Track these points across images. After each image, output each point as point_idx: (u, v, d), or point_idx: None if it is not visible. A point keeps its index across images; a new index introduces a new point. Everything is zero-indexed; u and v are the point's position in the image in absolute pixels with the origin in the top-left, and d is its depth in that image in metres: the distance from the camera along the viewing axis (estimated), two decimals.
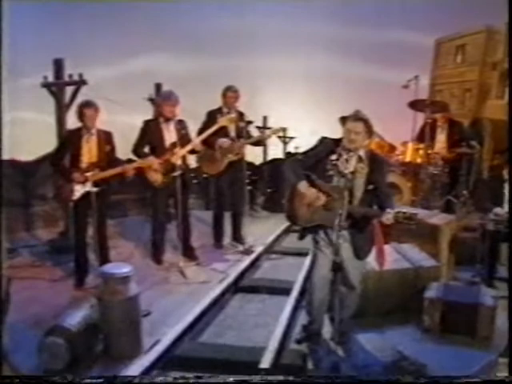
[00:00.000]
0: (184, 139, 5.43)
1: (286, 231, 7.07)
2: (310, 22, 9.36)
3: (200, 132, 5.86)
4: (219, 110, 6.03)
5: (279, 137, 10.97)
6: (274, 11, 9.31)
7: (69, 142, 4.88)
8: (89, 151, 4.80)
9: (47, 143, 6.68)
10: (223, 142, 5.88)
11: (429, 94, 10.45)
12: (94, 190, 4.71)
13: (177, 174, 5.33)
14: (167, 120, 5.40)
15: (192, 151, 5.59)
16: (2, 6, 3.68)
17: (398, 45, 9.55)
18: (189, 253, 5.75)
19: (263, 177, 9.06)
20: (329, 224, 3.58)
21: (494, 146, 7.31)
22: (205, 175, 7.33)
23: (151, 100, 7.58)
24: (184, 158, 5.53)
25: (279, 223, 7.37)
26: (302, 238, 3.94)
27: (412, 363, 3.38)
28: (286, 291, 4.80)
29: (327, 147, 3.71)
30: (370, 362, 3.66)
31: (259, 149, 8.14)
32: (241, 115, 5.95)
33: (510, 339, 3.29)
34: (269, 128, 9.34)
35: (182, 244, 5.56)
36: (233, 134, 6.01)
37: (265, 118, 11.74)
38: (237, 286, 4.96)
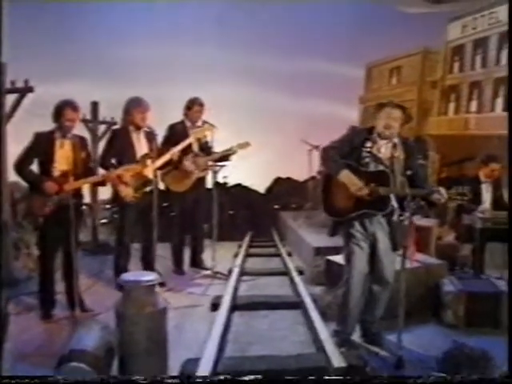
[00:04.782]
0: (154, 151, 4.96)
1: (246, 255, 6.75)
2: (229, 52, 9.46)
3: (162, 146, 5.42)
4: (182, 124, 5.66)
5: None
6: (195, 40, 9.28)
7: (38, 147, 4.13)
8: (63, 158, 4.14)
9: None
10: (190, 157, 5.50)
11: (361, 118, 10.95)
12: (73, 201, 4.03)
13: (149, 189, 4.85)
14: (138, 129, 4.92)
15: (161, 166, 5.12)
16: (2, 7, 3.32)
17: (324, 75, 9.91)
18: None
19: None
20: (376, 210, 3.47)
21: (440, 160, 7.79)
22: None
23: (84, 121, 6.90)
24: (155, 172, 5.03)
25: (232, 250, 7.08)
26: (333, 233, 3.74)
27: (474, 349, 3.24)
28: (283, 305, 4.56)
29: (360, 135, 3.66)
30: (422, 358, 3.49)
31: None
32: (212, 127, 5.57)
33: (510, 338, 3.26)
34: None
35: (152, 269, 4.98)
36: (196, 148, 5.64)
37: None
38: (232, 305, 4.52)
